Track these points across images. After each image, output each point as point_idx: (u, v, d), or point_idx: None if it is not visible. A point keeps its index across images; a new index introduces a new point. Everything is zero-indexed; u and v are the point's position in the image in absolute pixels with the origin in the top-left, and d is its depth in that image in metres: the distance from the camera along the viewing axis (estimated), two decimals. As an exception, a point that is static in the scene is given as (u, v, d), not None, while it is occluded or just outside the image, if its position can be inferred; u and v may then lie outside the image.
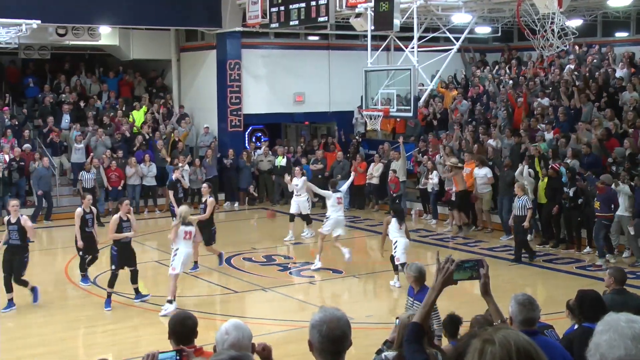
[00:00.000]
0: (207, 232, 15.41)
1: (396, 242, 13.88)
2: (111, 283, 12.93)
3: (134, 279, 13.15)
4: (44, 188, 21.16)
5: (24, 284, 12.94)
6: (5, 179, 20.50)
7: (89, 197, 14.61)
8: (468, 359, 2.56)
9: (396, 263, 13.90)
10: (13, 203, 12.88)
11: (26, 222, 12.71)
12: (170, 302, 12.56)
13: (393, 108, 18.86)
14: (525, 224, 16.11)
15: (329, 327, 3.59)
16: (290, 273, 15.87)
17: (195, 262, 15.18)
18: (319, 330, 3.60)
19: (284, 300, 14.15)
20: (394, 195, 20.88)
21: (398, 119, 22.67)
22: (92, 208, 14.30)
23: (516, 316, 5.10)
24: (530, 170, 17.50)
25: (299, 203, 18.15)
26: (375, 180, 22.13)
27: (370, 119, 19.65)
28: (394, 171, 20.94)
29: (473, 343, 2.58)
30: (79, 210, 14.16)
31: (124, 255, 12.99)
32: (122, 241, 12.95)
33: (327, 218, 15.94)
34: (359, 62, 20.99)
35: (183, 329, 5.18)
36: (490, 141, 20.24)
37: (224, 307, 13.74)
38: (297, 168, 19.05)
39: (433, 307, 4.17)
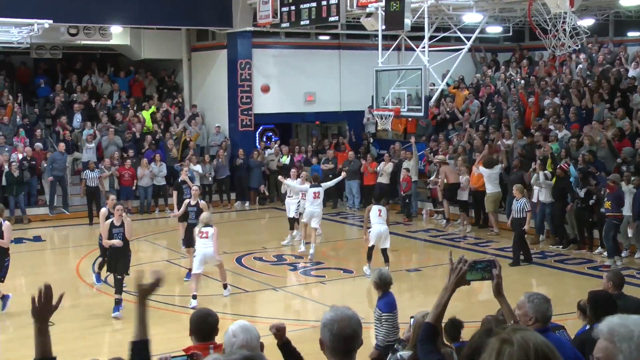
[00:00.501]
0: (189, 233, 14.63)
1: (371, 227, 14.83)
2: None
3: (117, 287, 12.72)
4: (58, 173, 21.18)
5: None
6: (18, 178, 20.56)
7: (112, 197, 14.31)
8: (485, 358, 2.54)
9: (368, 245, 14.79)
10: None
11: (7, 228, 12.55)
12: (194, 297, 13.10)
13: (404, 108, 18.81)
14: (526, 226, 16.02)
15: (340, 325, 3.58)
16: (301, 272, 15.86)
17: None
18: (330, 329, 3.59)
19: (295, 299, 14.17)
20: (404, 194, 20.85)
21: (409, 119, 22.62)
22: None
23: (542, 314, 5.02)
24: (547, 172, 17.38)
25: (290, 205, 17.84)
26: (385, 179, 21.98)
27: (381, 118, 19.61)
28: (407, 170, 20.91)
29: (490, 342, 2.56)
30: (103, 210, 13.98)
31: (112, 260, 12.99)
32: (112, 246, 12.91)
33: (303, 210, 16.92)
34: (369, 61, 20.95)
35: (205, 326, 5.16)
36: (504, 140, 20.20)
37: (235, 306, 13.74)
38: (293, 170, 18.92)
39: (446, 307, 4.14)
